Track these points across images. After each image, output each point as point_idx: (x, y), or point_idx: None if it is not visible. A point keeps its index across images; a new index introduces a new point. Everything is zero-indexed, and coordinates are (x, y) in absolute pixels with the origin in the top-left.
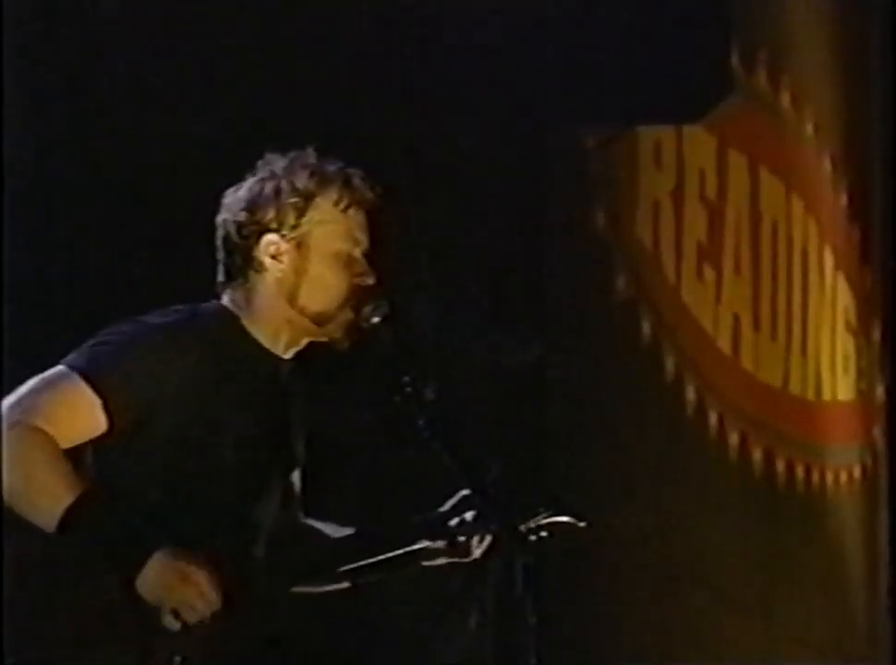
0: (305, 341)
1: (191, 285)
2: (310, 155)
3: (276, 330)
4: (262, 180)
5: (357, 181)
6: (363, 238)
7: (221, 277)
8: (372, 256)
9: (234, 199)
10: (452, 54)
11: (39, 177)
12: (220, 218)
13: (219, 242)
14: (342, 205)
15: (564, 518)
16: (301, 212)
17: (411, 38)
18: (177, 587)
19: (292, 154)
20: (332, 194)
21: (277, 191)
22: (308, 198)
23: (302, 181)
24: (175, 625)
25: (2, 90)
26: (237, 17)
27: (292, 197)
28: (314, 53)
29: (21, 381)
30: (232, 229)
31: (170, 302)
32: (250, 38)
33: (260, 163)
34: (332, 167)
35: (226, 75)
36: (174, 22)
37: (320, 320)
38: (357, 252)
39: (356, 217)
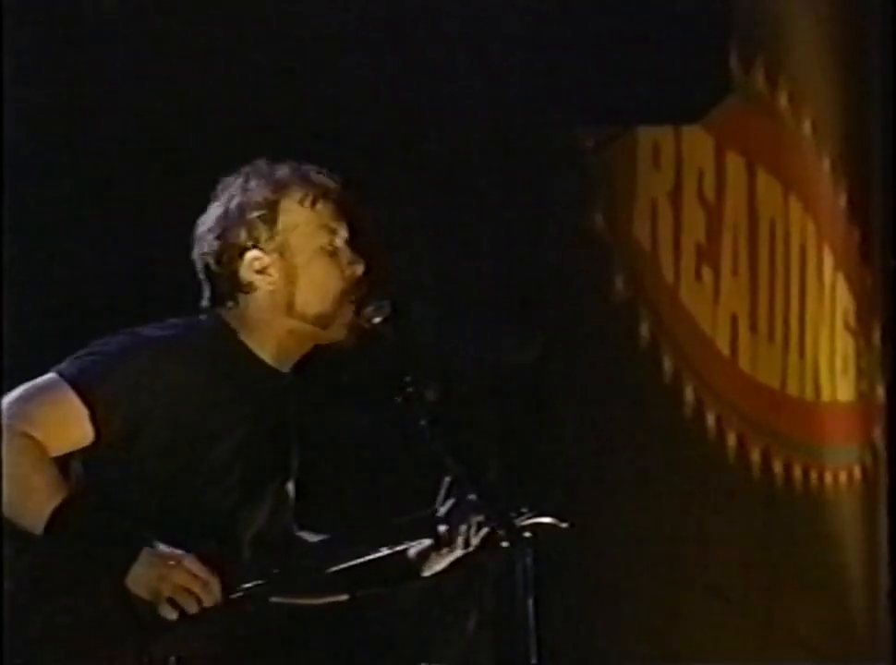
0: (309, 346)
1: (190, 295)
2: (261, 166)
3: (278, 342)
4: (224, 204)
5: (313, 175)
6: (340, 228)
7: (207, 303)
8: (357, 245)
9: (204, 230)
10: (451, 54)
11: (38, 183)
12: (196, 252)
13: (201, 275)
14: (307, 202)
15: (547, 519)
16: (272, 223)
17: (411, 38)
18: (170, 575)
19: (244, 169)
20: (295, 194)
21: (241, 210)
22: (272, 206)
23: (261, 193)
24: (173, 615)
25: (2, 90)
26: (237, 18)
27: (257, 211)
28: (313, 52)
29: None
30: (210, 260)
31: (168, 311)
32: (250, 40)
33: (218, 187)
34: (285, 169)
35: (227, 77)
36: (174, 24)
37: (322, 321)
38: (339, 242)
39: (325, 209)
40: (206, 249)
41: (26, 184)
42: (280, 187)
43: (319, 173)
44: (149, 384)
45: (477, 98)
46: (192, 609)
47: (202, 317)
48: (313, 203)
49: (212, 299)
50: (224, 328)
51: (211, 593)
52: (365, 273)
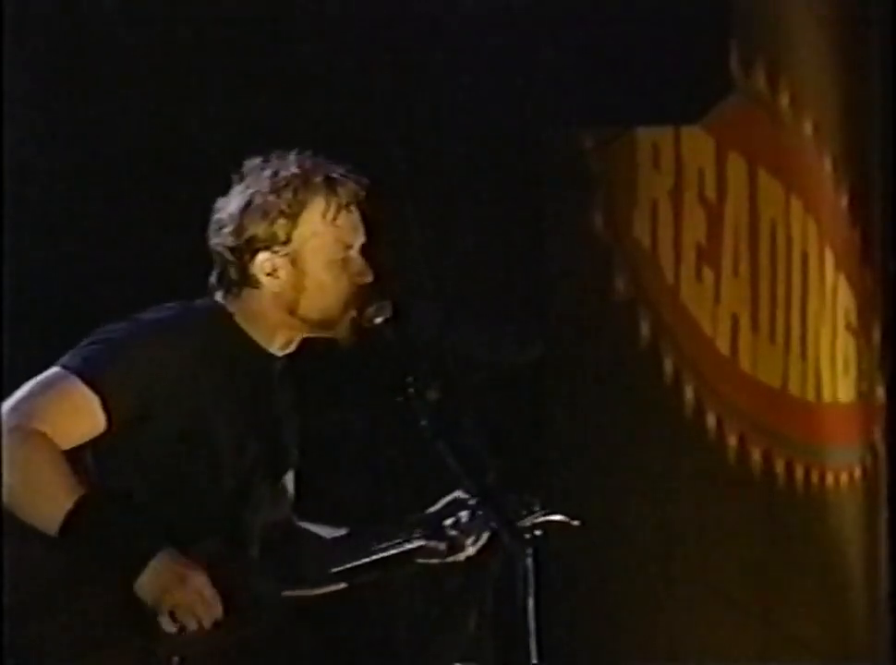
0: (301, 338)
1: (189, 284)
2: (292, 164)
3: (273, 329)
4: (248, 197)
5: (341, 184)
6: (356, 239)
7: (213, 281)
8: (370, 249)
9: (222, 218)
10: (451, 54)
11: (38, 177)
12: (212, 240)
13: (213, 256)
14: (329, 215)
15: (558, 517)
16: (290, 229)
17: (410, 37)
18: (175, 590)
19: (273, 163)
20: (319, 206)
21: (264, 213)
22: (295, 215)
23: (286, 198)
24: (172, 628)
25: (1, 89)
26: (237, 16)
27: (279, 219)
28: (314, 52)
29: (19, 383)
30: (223, 250)
31: (167, 301)
32: (250, 37)
33: (243, 171)
34: (316, 176)
35: (226, 74)
36: (175, 22)
37: (323, 325)
38: (353, 253)
39: (345, 222)
40: (221, 240)
41: (25, 175)
42: (306, 196)
43: (348, 179)
44: (152, 367)
45: (476, 98)
46: (191, 626)
47: (198, 301)
48: (335, 217)
49: (219, 282)
50: (221, 310)
51: (211, 615)
52: (373, 281)
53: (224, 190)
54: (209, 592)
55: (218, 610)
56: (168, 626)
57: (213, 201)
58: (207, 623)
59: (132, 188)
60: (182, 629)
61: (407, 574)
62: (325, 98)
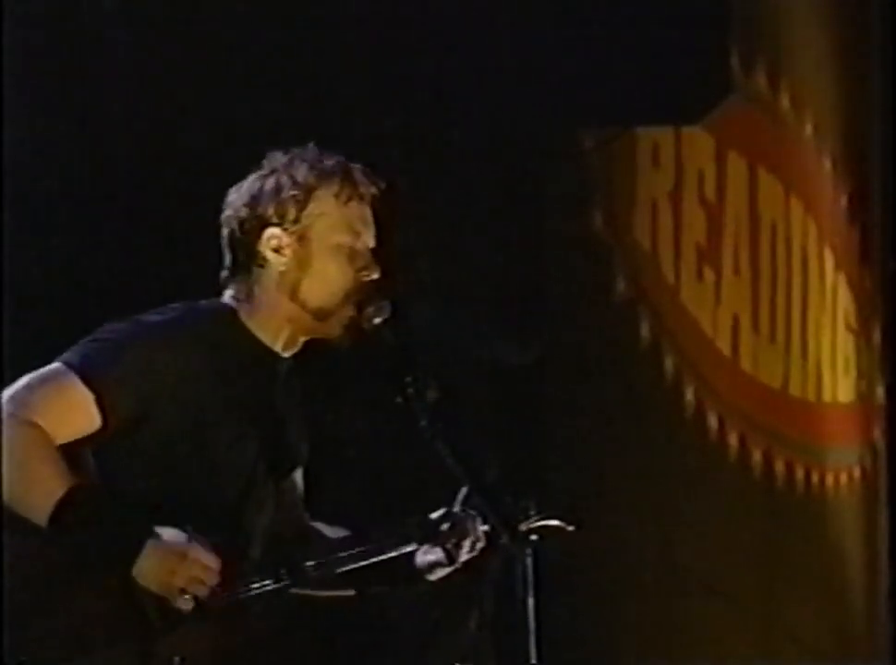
0: (304, 339)
1: (191, 284)
2: (311, 150)
3: (277, 326)
4: (263, 176)
5: (357, 174)
6: (366, 232)
7: (225, 273)
8: (378, 250)
9: (236, 196)
10: (451, 54)
11: (39, 177)
12: (223, 215)
13: (223, 238)
14: (342, 198)
15: (554, 521)
16: (302, 206)
17: (411, 37)
18: (180, 568)
19: (293, 150)
20: (333, 187)
21: (278, 186)
22: (308, 191)
23: (302, 175)
24: (190, 604)
25: (2, 90)
26: (238, 16)
27: (292, 190)
28: (315, 51)
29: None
30: (235, 225)
31: (170, 300)
32: (251, 36)
33: (263, 161)
34: (332, 161)
35: (228, 73)
36: (175, 21)
37: (321, 315)
38: (360, 246)
39: (357, 210)
40: (233, 214)
41: (26, 175)
42: (321, 176)
43: (364, 173)
44: (152, 368)
45: (476, 97)
46: (204, 595)
47: (203, 301)
48: (347, 200)
49: (231, 268)
50: (225, 310)
51: (216, 578)
52: (377, 280)
53: (225, 190)
54: (209, 558)
55: (218, 566)
56: (186, 605)
57: (214, 201)
58: (213, 584)
59: (133, 188)
60: (199, 603)
61: (419, 591)
62: (325, 99)
